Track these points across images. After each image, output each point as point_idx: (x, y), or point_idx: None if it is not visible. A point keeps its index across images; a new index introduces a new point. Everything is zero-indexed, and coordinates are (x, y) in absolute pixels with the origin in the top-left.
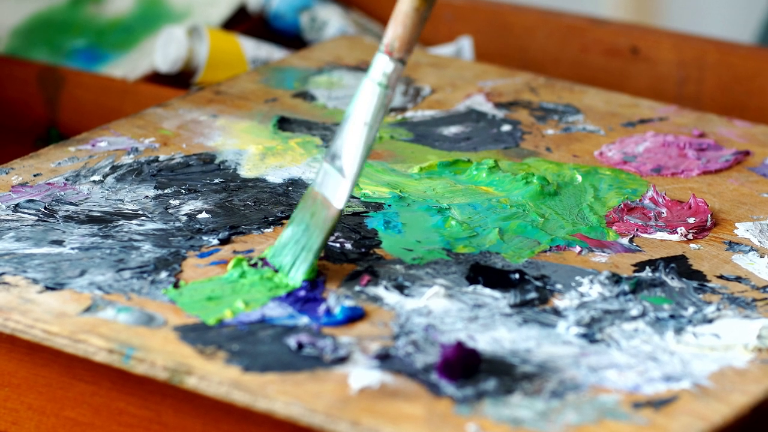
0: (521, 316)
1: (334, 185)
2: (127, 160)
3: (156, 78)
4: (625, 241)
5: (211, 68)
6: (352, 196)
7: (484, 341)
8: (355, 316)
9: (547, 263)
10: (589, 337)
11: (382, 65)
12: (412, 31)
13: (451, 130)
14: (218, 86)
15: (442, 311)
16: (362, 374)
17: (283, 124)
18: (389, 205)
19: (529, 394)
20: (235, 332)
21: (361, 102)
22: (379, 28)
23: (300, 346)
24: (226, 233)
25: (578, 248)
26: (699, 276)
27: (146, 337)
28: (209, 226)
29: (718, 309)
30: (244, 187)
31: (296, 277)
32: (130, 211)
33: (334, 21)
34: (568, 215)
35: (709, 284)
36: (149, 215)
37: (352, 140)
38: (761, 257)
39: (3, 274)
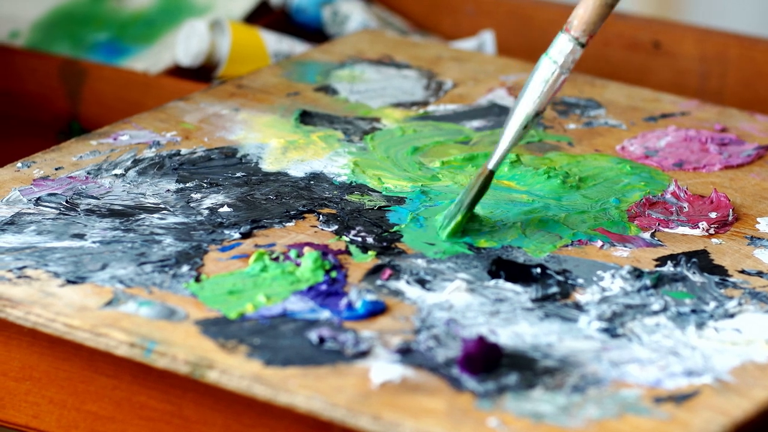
0: (543, 311)
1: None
2: (149, 153)
3: (178, 71)
4: (646, 235)
5: (233, 62)
6: (372, 190)
7: (505, 335)
8: (376, 310)
9: (568, 257)
10: (611, 332)
11: (557, 41)
12: (593, 12)
13: (473, 124)
14: (240, 80)
15: (464, 305)
16: (383, 368)
17: (305, 117)
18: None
19: (550, 388)
20: (257, 326)
21: (533, 74)
22: (401, 22)
23: (321, 340)
24: (248, 227)
25: (600, 243)
26: (720, 271)
27: (167, 330)
28: (231, 219)
29: (740, 304)
30: (265, 180)
31: (443, 233)
32: (152, 205)
33: (356, 15)
34: (590, 209)
35: (731, 279)
36: (171, 209)
37: (514, 109)
38: None
39: (24, 267)
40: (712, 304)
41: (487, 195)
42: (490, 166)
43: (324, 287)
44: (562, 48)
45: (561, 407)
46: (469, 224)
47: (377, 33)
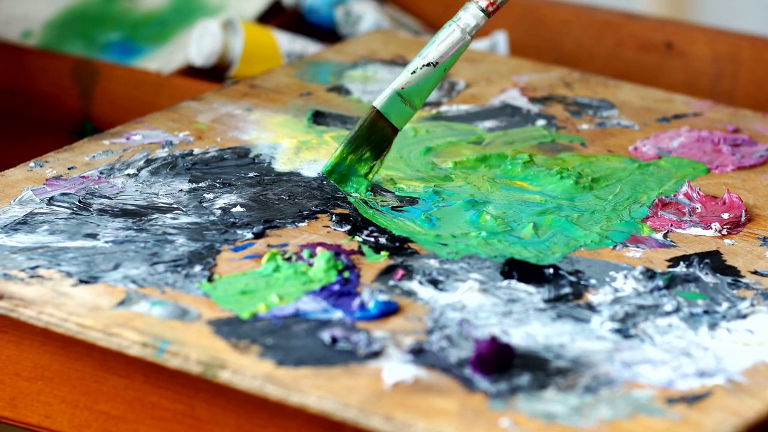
0: (555, 311)
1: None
2: (162, 153)
3: (190, 71)
4: (659, 236)
5: (245, 62)
6: (385, 190)
7: (518, 336)
8: (389, 311)
9: (581, 258)
10: (623, 333)
11: (464, 9)
12: None
13: (486, 124)
14: (253, 80)
15: (477, 306)
16: (396, 369)
17: (318, 118)
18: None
19: (562, 389)
20: (269, 326)
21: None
22: (413, 22)
23: (334, 340)
24: (261, 227)
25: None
26: (733, 271)
27: (180, 330)
28: (243, 219)
29: (752, 304)
30: (278, 180)
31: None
32: (165, 205)
33: (368, 15)
34: (603, 210)
35: (743, 280)
36: (183, 209)
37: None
38: None
39: (37, 267)
40: (725, 305)
41: (500, 195)
42: (375, 103)
43: (336, 287)
44: (463, 9)
45: (573, 408)
46: (355, 170)
47: (390, 33)
